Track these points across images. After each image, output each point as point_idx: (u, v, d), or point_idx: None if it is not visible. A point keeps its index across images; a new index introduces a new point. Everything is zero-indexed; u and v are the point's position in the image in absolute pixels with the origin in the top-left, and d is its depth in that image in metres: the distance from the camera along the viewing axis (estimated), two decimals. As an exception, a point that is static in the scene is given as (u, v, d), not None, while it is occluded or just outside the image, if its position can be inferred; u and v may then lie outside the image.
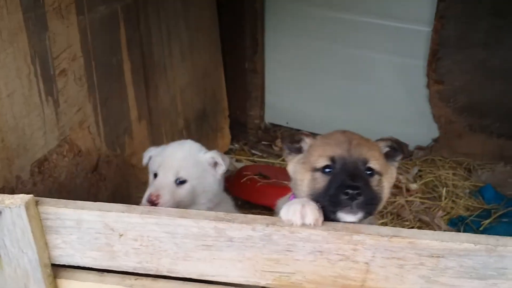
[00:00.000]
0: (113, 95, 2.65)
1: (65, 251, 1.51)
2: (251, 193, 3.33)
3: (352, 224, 1.38)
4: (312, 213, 1.35)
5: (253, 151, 4.18)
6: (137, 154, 2.90)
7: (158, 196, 2.03)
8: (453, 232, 1.35)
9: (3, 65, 1.89)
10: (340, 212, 1.42)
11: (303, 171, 1.59)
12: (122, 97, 2.74)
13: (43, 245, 1.50)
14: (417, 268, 1.32)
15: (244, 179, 3.40)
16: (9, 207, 1.44)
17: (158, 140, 3.11)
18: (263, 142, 4.29)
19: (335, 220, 1.43)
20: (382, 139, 1.63)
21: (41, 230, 1.49)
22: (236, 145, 4.24)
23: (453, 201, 3.56)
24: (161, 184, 2.09)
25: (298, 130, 4.38)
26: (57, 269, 1.58)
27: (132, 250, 1.46)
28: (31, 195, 1.46)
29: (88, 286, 1.56)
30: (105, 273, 1.57)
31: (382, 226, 1.37)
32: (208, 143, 3.84)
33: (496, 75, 3.67)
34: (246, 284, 1.44)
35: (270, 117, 4.47)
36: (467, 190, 3.68)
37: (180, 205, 2.07)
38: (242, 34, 4.07)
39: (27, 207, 1.43)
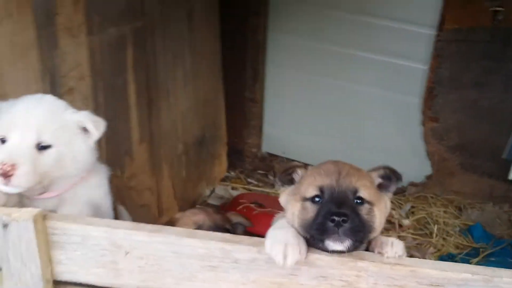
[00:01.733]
0: (117, 116, 2.69)
1: (69, 268, 1.51)
2: (246, 221, 3.33)
3: (357, 251, 1.40)
4: (293, 254, 1.37)
5: (249, 180, 4.21)
6: (137, 176, 2.92)
7: (13, 166, 1.54)
8: (453, 262, 1.38)
9: (13, 80, 1.93)
10: (327, 240, 1.42)
11: (293, 202, 1.61)
12: (125, 118, 2.78)
13: (47, 260, 1.50)
14: (418, 296, 1.35)
15: (240, 207, 3.41)
16: (16, 221, 1.44)
17: (157, 163, 3.14)
18: (259, 171, 4.33)
19: (324, 250, 1.44)
20: (374, 169, 1.67)
21: (46, 245, 1.48)
22: (233, 173, 4.27)
23: (443, 238, 3.61)
24: (16, 149, 1.59)
25: (294, 160, 4.43)
26: (59, 286, 1.57)
27: (137, 269, 1.46)
28: (39, 209, 1.47)
29: (89, 304, 1.55)
30: (107, 292, 1.57)
31: (386, 255, 1.40)
32: (206, 169, 3.88)
33: (486, 116, 3.78)
34: (249, 307, 1.45)
35: (267, 146, 4.52)
36: (457, 228, 3.75)
37: (44, 177, 1.65)
38: (243, 64, 4.16)
39: (35, 221, 1.43)
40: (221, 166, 4.18)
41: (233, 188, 4.03)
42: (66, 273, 1.52)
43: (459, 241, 3.58)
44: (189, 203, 3.64)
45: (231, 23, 3.98)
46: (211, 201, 3.82)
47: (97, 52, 2.46)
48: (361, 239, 1.48)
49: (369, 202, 1.55)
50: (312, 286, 1.40)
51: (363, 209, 1.53)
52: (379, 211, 1.57)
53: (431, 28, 3.74)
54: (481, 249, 3.46)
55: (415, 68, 3.88)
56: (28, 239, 1.45)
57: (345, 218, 1.42)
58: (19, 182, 1.55)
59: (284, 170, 1.71)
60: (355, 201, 1.54)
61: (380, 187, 1.65)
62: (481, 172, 3.94)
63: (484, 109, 3.77)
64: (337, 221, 1.41)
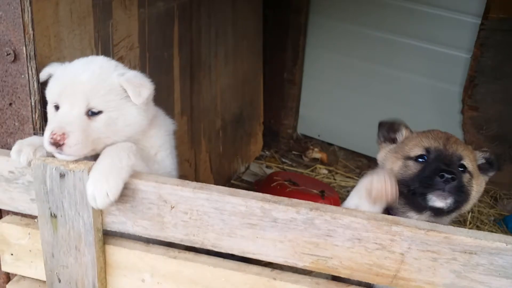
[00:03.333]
0: (162, 88, 2.79)
1: (118, 218, 1.61)
2: (280, 197, 3.41)
3: (391, 216, 1.45)
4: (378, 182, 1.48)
5: (283, 160, 4.28)
6: (177, 147, 3.02)
7: (63, 135, 1.53)
8: (486, 232, 1.41)
9: (70, 45, 2.03)
10: (431, 194, 1.51)
11: (394, 160, 1.69)
12: (169, 91, 2.88)
13: (98, 210, 1.60)
14: (449, 262, 1.38)
15: (274, 183, 3.49)
16: (73, 171, 1.55)
17: (196, 137, 3.24)
18: (294, 152, 4.39)
19: (423, 205, 1.53)
20: (481, 150, 1.73)
21: (98, 196, 1.59)
22: (268, 152, 4.35)
23: (477, 226, 3.59)
24: (66, 118, 1.58)
25: (329, 144, 4.46)
26: (106, 236, 1.68)
27: (181, 223, 1.56)
28: (93, 162, 1.57)
29: (134, 254, 1.66)
30: (151, 244, 1.67)
31: (420, 221, 1.44)
32: (241, 147, 3.97)
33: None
34: (285, 264, 1.52)
35: (303, 128, 4.57)
36: (492, 218, 3.73)
37: (98, 143, 1.62)
38: (284, 46, 4.20)
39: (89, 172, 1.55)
40: (257, 145, 4.26)
41: (267, 167, 4.10)
42: (115, 224, 1.63)
43: (493, 230, 3.57)
44: (224, 178, 3.74)
45: (273, 5, 4.03)
46: (245, 177, 3.91)
47: (146, 24, 2.56)
48: (461, 202, 1.55)
49: (470, 173, 1.61)
50: (347, 247, 1.45)
51: (464, 177, 1.59)
52: (477, 185, 1.64)
53: (476, 17, 3.69)
54: (515, 240, 3.45)
55: (458, 56, 3.85)
56: (82, 189, 1.56)
57: (454, 176, 1.49)
58: (71, 151, 1.55)
59: (390, 126, 1.77)
60: (458, 168, 1.59)
61: (479, 168, 1.69)
62: (520, 164, 3.90)
63: (526, 102, 3.72)
64: (446, 177, 1.48)
